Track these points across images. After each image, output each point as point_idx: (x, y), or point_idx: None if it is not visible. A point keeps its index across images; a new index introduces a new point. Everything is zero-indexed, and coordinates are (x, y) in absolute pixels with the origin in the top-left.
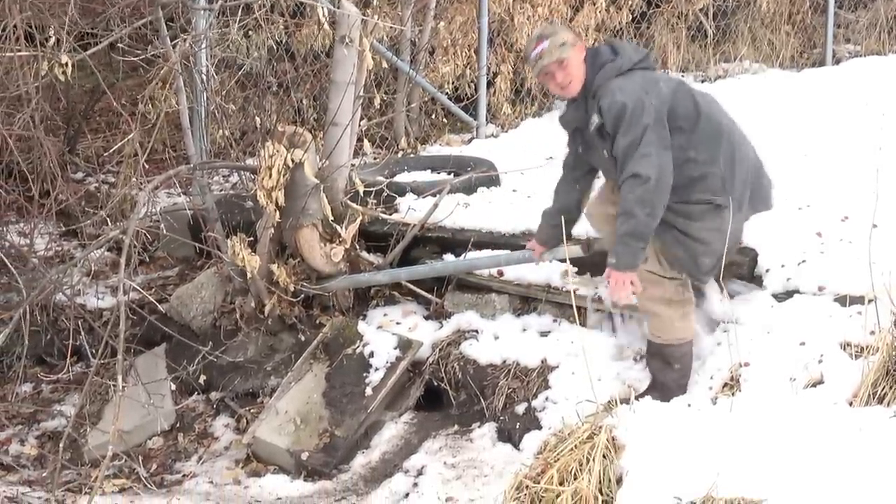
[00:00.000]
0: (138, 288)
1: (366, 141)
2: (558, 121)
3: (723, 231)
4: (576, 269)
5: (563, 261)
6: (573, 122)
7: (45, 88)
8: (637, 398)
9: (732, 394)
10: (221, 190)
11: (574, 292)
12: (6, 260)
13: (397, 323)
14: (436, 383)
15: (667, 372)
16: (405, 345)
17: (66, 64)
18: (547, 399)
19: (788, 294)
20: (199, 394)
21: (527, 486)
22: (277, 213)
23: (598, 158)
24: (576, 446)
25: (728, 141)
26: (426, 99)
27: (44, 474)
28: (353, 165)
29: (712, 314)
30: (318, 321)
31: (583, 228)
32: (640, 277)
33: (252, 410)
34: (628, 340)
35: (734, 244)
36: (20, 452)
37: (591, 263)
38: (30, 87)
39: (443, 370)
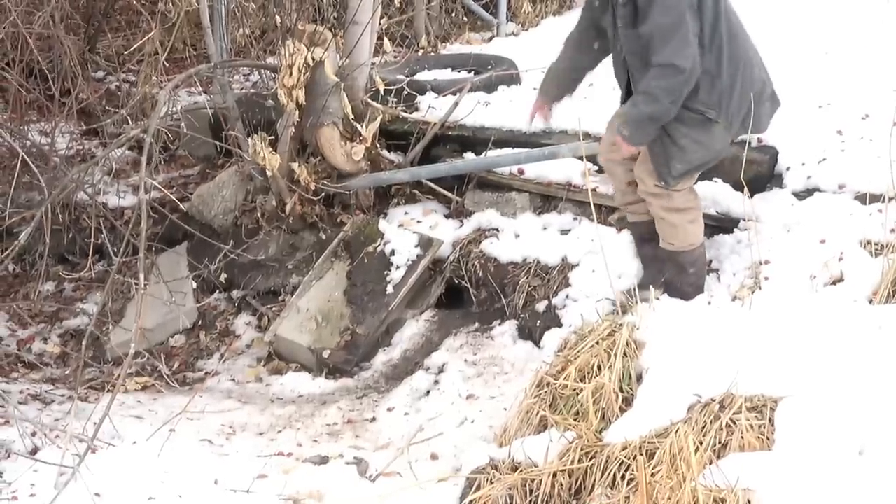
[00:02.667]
0: (160, 186)
1: (386, 40)
2: None
3: (705, 145)
4: (595, 168)
5: (582, 158)
6: None
7: None
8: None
9: (752, 292)
10: (242, 89)
11: (594, 190)
12: (28, 159)
13: (418, 221)
14: (456, 281)
15: (683, 276)
16: (426, 243)
17: None
18: (567, 297)
19: (809, 192)
20: (220, 292)
21: (547, 383)
22: (298, 111)
23: (621, 38)
24: (596, 344)
25: (737, 56)
26: None
27: (66, 372)
28: (373, 64)
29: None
30: (338, 220)
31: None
32: (648, 191)
33: (273, 309)
34: None
35: (714, 159)
36: (43, 350)
37: None
38: None
39: (463, 268)
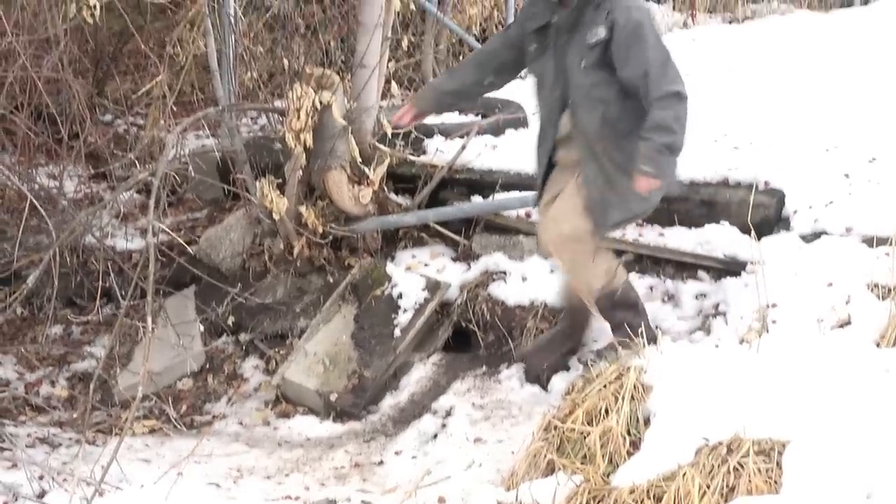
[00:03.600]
0: (167, 230)
1: (393, 83)
2: (523, 13)
3: (646, 198)
4: None
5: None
6: (559, 23)
7: (74, 31)
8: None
9: (759, 335)
10: (250, 132)
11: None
12: (36, 202)
13: (425, 264)
14: (464, 325)
15: (621, 313)
16: (433, 286)
17: (94, 6)
18: None
19: (816, 235)
20: (228, 335)
21: (555, 427)
22: (306, 154)
23: (571, 77)
24: (603, 387)
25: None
26: (454, 41)
27: (74, 415)
28: (381, 107)
29: None
30: (346, 263)
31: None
32: (571, 236)
33: (281, 352)
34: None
35: (650, 210)
36: (51, 394)
37: None
38: (58, 29)
39: (471, 311)
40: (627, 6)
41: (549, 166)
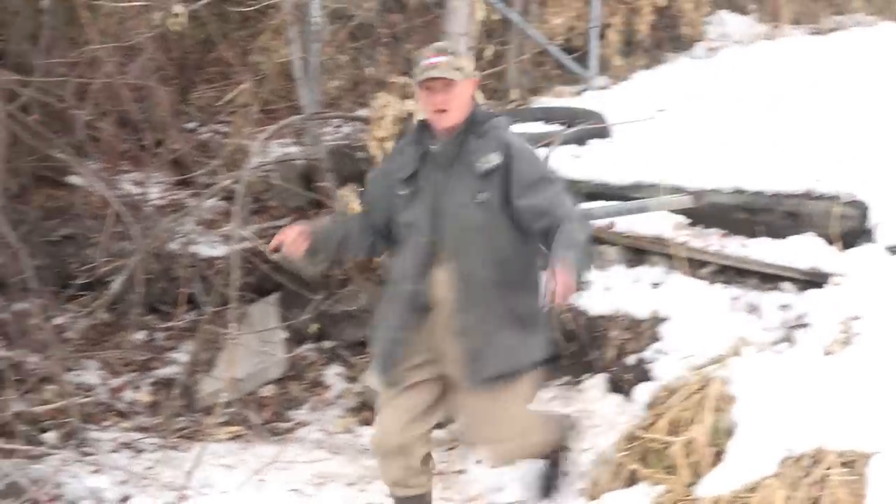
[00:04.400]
0: (251, 237)
1: (477, 92)
2: (393, 154)
3: (528, 346)
4: (688, 221)
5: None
6: (436, 157)
7: (159, 39)
8: None
9: (843, 347)
10: (333, 140)
11: (684, 244)
12: (120, 209)
13: None
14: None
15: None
16: None
17: (179, 14)
18: (658, 351)
19: None
20: (311, 343)
21: (638, 437)
22: None
23: (437, 209)
24: (687, 398)
25: None
26: (537, 50)
27: (157, 421)
28: None
29: None
30: None
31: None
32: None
33: (364, 359)
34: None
35: (525, 371)
36: (134, 399)
37: (701, 215)
38: (143, 37)
39: (553, 321)
40: (517, 136)
41: (405, 330)
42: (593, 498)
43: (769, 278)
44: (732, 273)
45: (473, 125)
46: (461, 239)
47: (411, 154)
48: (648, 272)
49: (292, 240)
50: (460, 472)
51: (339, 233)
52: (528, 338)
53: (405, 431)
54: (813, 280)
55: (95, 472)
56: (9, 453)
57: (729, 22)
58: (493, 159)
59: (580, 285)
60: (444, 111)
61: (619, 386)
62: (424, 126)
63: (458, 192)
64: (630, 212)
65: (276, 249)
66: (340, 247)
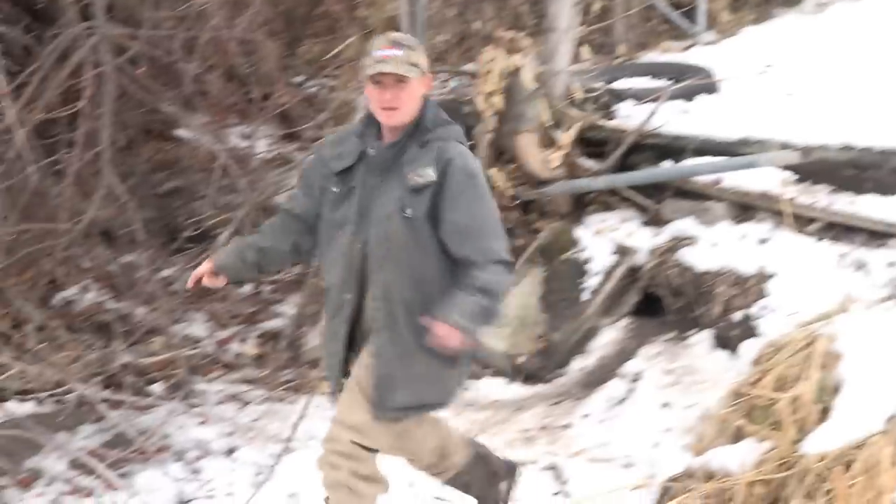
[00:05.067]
0: None
1: (584, 46)
2: (328, 147)
3: (443, 381)
4: (796, 177)
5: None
6: (374, 159)
7: None
8: None
9: None
10: (440, 95)
11: (792, 200)
12: (227, 162)
13: (614, 229)
14: (652, 290)
15: (477, 487)
16: (622, 251)
17: None
18: (764, 307)
19: None
20: None
21: (744, 393)
22: (496, 117)
23: (365, 214)
24: (793, 355)
25: None
26: (645, 5)
27: (264, 373)
28: (571, 71)
29: None
30: (534, 226)
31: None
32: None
33: None
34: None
35: (444, 404)
36: (241, 351)
37: (809, 171)
38: None
39: (659, 277)
40: (461, 152)
41: (349, 340)
42: (698, 454)
43: (877, 235)
44: (840, 230)
45: (418, 131)
46: (384, 251)
47: (351, 148)
48: (755, 228)
49: (207, 279)
50: (565, 426)
51: (250, 254)
52: (442, 372)
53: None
54: None
55: (202, 423)
56: (116, 404)
57: None
58: (428, 175)
59: (468, 341)
60: (392, 109)
61: (725, 342)
62: (371, 120)
63: (386, 202)
64: (737, 167)
65: (197, 285)
66: (260, 266)
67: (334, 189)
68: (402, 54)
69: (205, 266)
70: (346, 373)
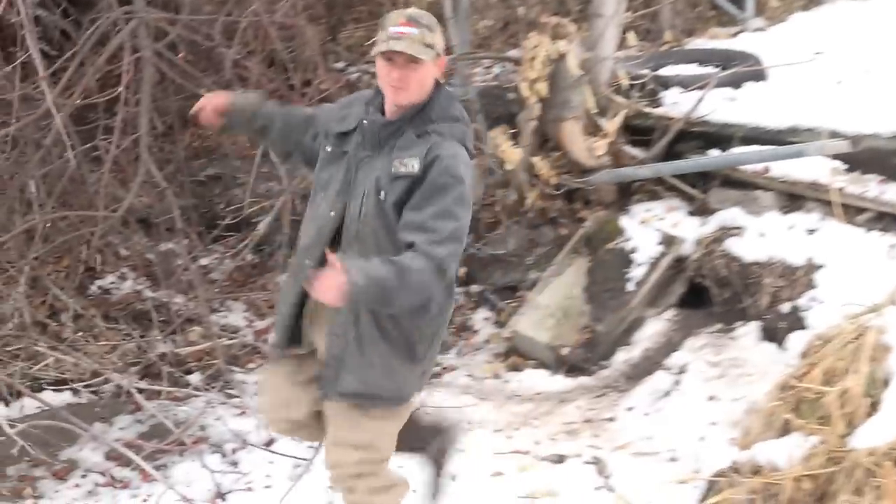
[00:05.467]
0: None
1: (630, 33)
2: (337, 107)
3: (397, 378)
4: (846, 166)
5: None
6: (369, 131)
7: None
8: None
9: None
10: (483, 81)
11: (841, 190)
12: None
13: (660, 218)
14: (698, 280)
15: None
16: (668, 241)
17: None
18: (813, 299)
19: None
20: (459, 286)
21: (792, 386)
22: (540, 105)
23: (347, 183)
24: (842, 347)
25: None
26: None
27: None
28: (617, 58)
29: None
30: (579, 215)
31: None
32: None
33: (512, 304)
34: None
35: (387, 400)
36: None
37: (859, 160)
38: None
39: (706, 267)
40: (454, 153)
41: (300, 307)
42: (745, 447)
43: None
44: (890, 220)
45: (419, 118)
46: (356, 229)
47: (355, 113)
48: (804, 218)
49: (209, 110)
50: (610, 419)
51: (260, 121)
52: (399, 365)
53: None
54: None
55: (240, 414)
56: (154, 395)
57: None
58: (412, 165)
59: (346, 299)
60: (400, 87)
61: (773, 334)
62: (379, 91)
63: (369, 178)
64: (786, 156)
65: (196, 116)
66: (261, 128)
67: (328, 148)
68: (417, 33)
69: (219, 98)
70: (290, 340)
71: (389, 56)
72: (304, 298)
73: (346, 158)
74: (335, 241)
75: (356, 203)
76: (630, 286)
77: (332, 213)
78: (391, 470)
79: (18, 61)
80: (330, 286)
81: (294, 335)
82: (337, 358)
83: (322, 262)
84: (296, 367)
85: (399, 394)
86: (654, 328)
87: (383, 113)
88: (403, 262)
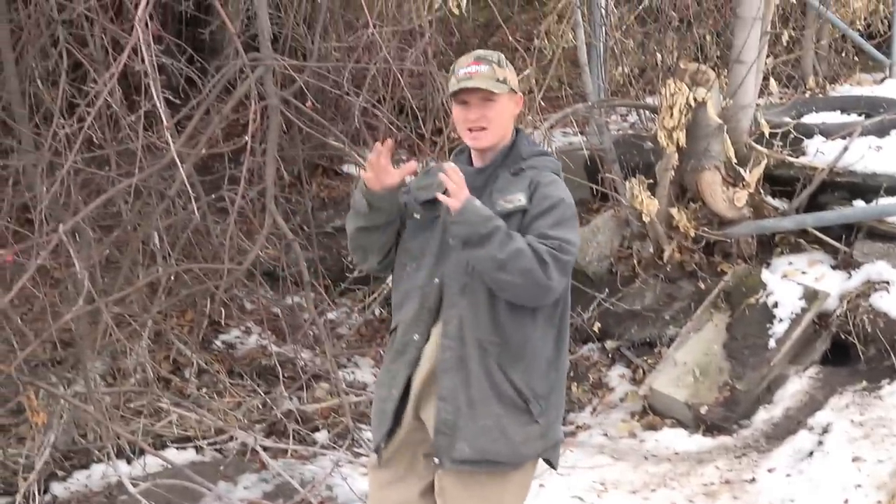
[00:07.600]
0: None
1: (772, 79)
2: (416, 179)
3: (510, 439)
4: None
5: None
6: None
7: (438, 22)
8: None
9: None
10: (619, 129)
11: None
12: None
13: (803, 272)
14: (843, 337)
15: None
16: (811, 295)
17: None
18: None
19: None
20: (593, 342)
21: None
22: (678, 154)
23: (447, 244)
24: None
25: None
26: (836, 36)
27: None
28: (758, 105)
29: None
30: (718, 268)
31: None
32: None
33: (649, 361)
34: None
35: (512, 464)
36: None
37: None
38: (422, 20)
39: (850, 323)
40: (553, 180)
41: (407, 390)
42: None
43: None
44: None
45: (511, 158)
46: (462, 284)
47: (439, 181)
48: None
49: (384, 169)
50: (750, 481)
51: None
52: (514, 426)
53: None
54: None
55: (367, 474)
56: (280, 453)
57: None
58: (519, 199)
59: (457, 219)
60: (481, 129)
61: None
62: (461, 150)
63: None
64: None
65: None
66: (388, 218)
67: (416, 216)
68: (487, 70)
69: (406, 168)
70: (396, 425)
71: (463, 99)
72: (410, 380)
73: (437, 224)
74: (438, 308)
75: (458, 261)
76: (771, 342)
77: (436, 280)
78: None
79: (143, 110)
80: (458, 189)
81: (397, 419)
82: (449, 424)
83: (429, 335)
84: (404, 469)
85: (516, 458)
86: (796, 386)
87: (470, 165)
88: (518, 238)
